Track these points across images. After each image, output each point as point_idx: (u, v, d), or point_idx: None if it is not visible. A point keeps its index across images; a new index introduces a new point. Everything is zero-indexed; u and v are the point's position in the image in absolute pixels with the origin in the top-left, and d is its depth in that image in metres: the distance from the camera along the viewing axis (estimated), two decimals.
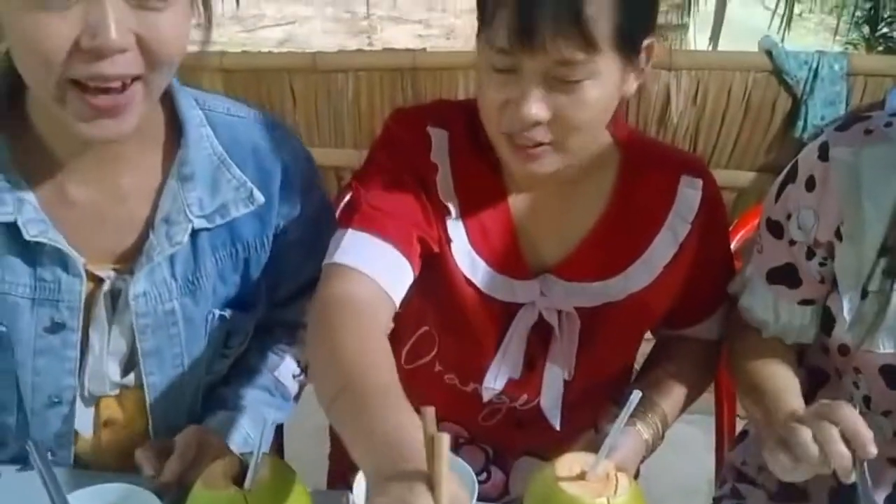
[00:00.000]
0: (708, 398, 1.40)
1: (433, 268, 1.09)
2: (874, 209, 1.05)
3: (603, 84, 0.97)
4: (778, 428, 0.99)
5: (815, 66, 2.41)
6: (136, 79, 0.88)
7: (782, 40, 2.76)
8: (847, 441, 0.92)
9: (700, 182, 1.13)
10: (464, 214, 1.11)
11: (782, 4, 2.92)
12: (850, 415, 0.93)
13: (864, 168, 1.05)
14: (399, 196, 1.07)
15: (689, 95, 2.48)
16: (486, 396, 1.17)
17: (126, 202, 1.02)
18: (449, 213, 1.10)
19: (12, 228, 0.96)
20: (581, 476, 0.94)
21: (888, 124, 1.06)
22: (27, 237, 0.95)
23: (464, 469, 0.99)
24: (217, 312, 1.07)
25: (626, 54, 0.97)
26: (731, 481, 1.34)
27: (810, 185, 1.08)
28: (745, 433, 1.40)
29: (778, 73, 2.44)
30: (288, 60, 2.63)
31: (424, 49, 2.57)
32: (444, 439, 0.71)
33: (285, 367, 1.19)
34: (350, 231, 1.03)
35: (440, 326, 1.17)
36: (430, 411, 0.74)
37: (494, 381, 1.16)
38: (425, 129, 1.11)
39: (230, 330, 1.11)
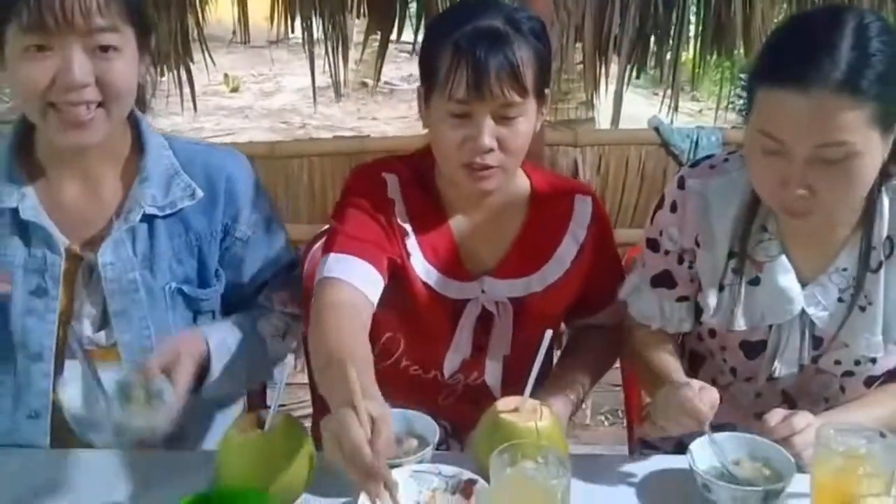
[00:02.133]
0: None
1: (397, 278, 1.45)
2: (720, 223, 1.41)
3: (528, 120, 1.38)
4: (662, 396, 1.31)
5: (695, 138, 2.88)
6: (99, 105, 1.29)
7: (671, 122, 3.24)
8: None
9: (590, 199, 1.55)
10: (417, 234, 1.47)
11: (669, 93, 3.38)
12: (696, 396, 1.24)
13: (710, 193, 1.42)
14: (368, 225, 1.44)
15: (593, 167, 2.90)
16: (447, 374, 1.51)
17: (100, 200, 1.40)
18: (406, 234, 1.47)
19: (14, 213, 1.34)
20: (516, 410, 1.27)
21: (725, 160, 1.46)
22: (23, 217, 1.33)
23: (427, 420, 1.31)
24: (174, 285, 1.42)
25: (539, 99, 1.39)
26: (639, 449, 1.68)
27: (673, 208, 1.46)
28: (647, 414, 1.74)
29: (666, 145, 2.89)
30: (249, 149, 2.92)
31: (369, 135, 2.93)
32: (351, 371, 1.07)
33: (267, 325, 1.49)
34: (332, 254, 1.39)
35: (403, 328, 1.51)
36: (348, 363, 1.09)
37: (452, 361, 1.51)
38: (380, 174, 1.49)
39: (195, 306, 1.44)
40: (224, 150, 1.51)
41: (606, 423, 3.14)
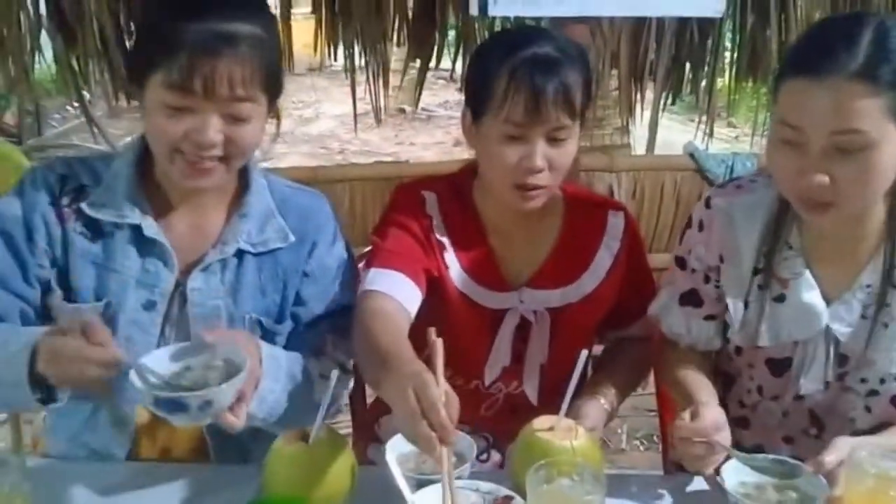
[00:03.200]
0: None
1: (436, 290, 1.51)
2: (745, 239, 1.45)
3: (574, 141, 1.46)
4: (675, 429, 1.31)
5: (731, 164, 2.89)
6: (220, 159, 1.35)
7: (707, 148, 3.26)
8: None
9: (622, 213, 1.61)
10: (455, 248, 1.54)
11: (704, 119, 3.39)
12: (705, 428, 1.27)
13: (735, 210, 1.47)
14: (406, 241, 1.51)
15: (629, 193, 2.93)
16: (487, 382, 1.58)
17: (203, 230, 1.47)
18: (444, 248, 1.54)
19: (135, 230, 1.40)
20: (551, 429, 1.30)
21: (752, 181, 1.50)
22: (146, 234, 1.40)
23: (466, 439, 1.35)
24: (254, 316, 1.47)
25: (582, 122, 1.47)
26: (674, 473, 1.69)
27: (700, 227, 1.50)
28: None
29: (701, 171, 2.91)
30: (291, 173, 2.99)
31: (408, 161, 2.98)
32: (439, 343, 1.15)
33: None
34: (373, 269, 1.47)
35: (445, 339, 1.54)
36: (432, 331, 1.17)
37: (493, 370, 1.57)
38: (420, 192, 1.57)
39: (269, 339, 1.47)
40: (312, 194, 1.57)
41: (642, 448, 3.14)
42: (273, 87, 1.38)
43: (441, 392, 1.08)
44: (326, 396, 1.26)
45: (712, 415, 1.28)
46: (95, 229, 1.41)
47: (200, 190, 1.42)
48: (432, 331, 1.20)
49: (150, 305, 1.42)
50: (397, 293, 1.43)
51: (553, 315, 1.57)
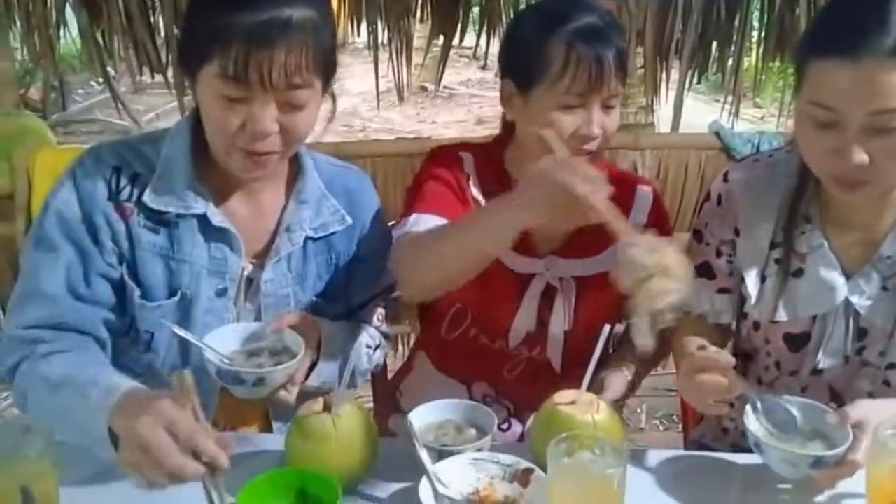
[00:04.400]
0: None
1: None
2: (762, 212, 1.45)
3: (619, 108, 1.49)
4: (687, 360, 1.33)
5: (756, 143, 2.85)
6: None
7: (732, 128, 3.22)
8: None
9: (650, 189, 1.60)
10: None
11: (730, 99, 3.35)
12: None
13: (753, 182, 1.47)
14: (446, 192, 1.53)
15: (653, 171, 2.89)
16: (511, 344, 1.60)
17: (262, 216, 1.47)
18: (480, 205, 1.55)
19: (202, 219, 1.39)
20: (573, 403, 1.31)
21: (769, 155, 1.50)
22: (214, 223, 1.39)
23: (486, 412, 1.36)
24: (314, 299, 1.49)
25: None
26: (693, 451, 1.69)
27: (718, 200, 1.51)
28: (702, 417, 1.76)
29: (726, 150, 2.86)
30: (314, 149, 3.02)
31: (430, 137, 2.98)
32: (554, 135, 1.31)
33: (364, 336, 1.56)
34: (415, 213, 1.48)
35: (472, 298, 1.58)
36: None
37: (517, 334, 1.59)
38: (458, 153, 1.60)
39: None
40: (357, 173, 1.59)
41: (661, 428, 3.15)
42: (329, 70, 1.36)
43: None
44: (348, 371, 1.27)
45: (725, 357, 1.28)
46: (159, 221, 1.39)
47: (258, 178, 1.42)
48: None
49: (222, 292, 1.42)
50: None
51: (578, 284, 1.59)
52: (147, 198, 1.38)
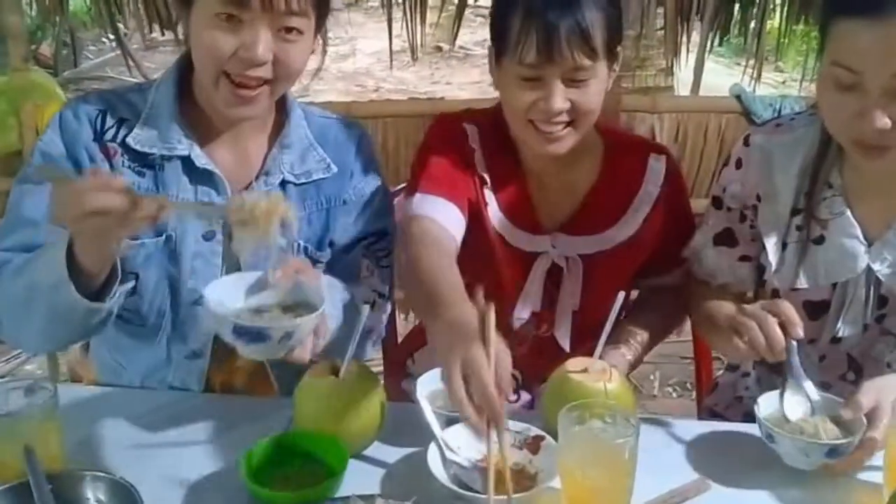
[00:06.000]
0: None
1: (474, 224, 1.47)
2: (784, 178, 1.42)
3: (600, 81, 1.38)
4: (724, 321, 1.31)
5: (778, 107, 2.79)
6: (266, 82, 1.31)
7: (753, 91, 3.16)
8: (782, 327, 1.24)
9: (664, 158, 1.53)
10: (494, 184, 1.50)
11: (752, 62, 3.28)
12: (785, 306, 1.25)
13: (774, 147, 1.43)
14: (450, 169, 1.47)
15: (671, 135, 2.84)
16: (516, 325, 1.54)
17: (246, 159, 1.45)
18: (485, 182, 1.50)
19: (186, 161, 1.38)
20: (585, 370, 1.28)
21: (792, 119, 1.45)
22: (198, 165, 1.38)
23: None
24: (301, 244, 1.47)
25: (610, 59, 1.39)
26: (707, 419, 1.67)
27: (738, 164, 1.46)
28: (716, 384, 1.74)
29: (747, 114, 2.81)
30: (326, 108, 2.99)
31: (443, 98, 2.93)
32: (491, 310, 1.06)
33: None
34: (419, 194, 1.43)
35: (477, 274, 1.52)
36: (480, 293, 1.10)
37: (522, 312, 1.53)
38: (462, 125, 1.52)
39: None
40: (348, 124, 1.55)
41: (674, 395, 3.13)
42: (322, 8, 1.34)
43: (491, 373, 1.02)
44: (357, 331, 1.24)
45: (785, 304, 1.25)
46: (144, 163, 1.39)
47: (243, 118, 1.39)
48: (480, 296, 1.13)
49: (210, 235, 1.41)
50: (445, 220, 1.40)
51: (586, 262, 1.53)
52: (131, 139, 1.38)
